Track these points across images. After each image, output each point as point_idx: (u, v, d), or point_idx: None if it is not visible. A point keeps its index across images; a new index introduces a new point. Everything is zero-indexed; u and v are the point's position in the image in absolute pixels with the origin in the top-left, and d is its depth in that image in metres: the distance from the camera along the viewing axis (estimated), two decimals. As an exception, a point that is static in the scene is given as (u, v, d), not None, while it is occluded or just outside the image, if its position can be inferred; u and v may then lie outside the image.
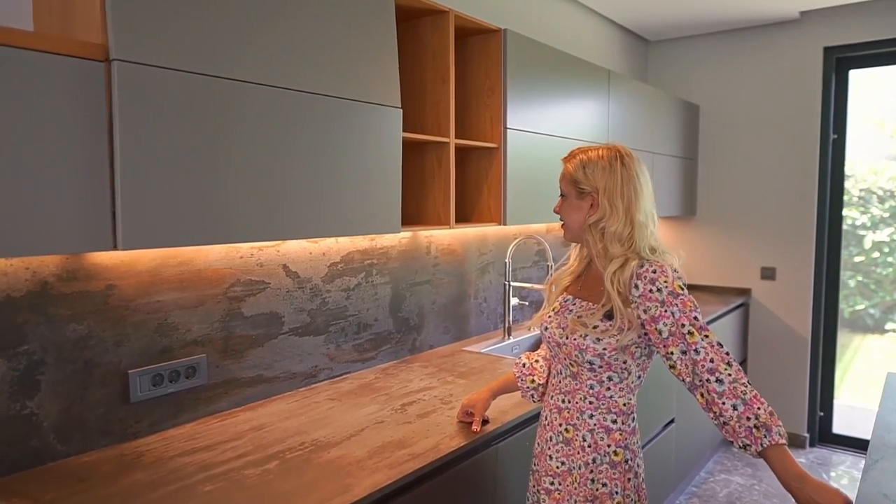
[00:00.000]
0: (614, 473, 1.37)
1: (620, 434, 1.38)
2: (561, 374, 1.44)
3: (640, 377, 1.39)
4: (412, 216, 2.22)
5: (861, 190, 4.17)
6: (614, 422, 1.37)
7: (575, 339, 1.35)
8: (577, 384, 1.40)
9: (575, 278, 1.50)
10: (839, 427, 3.90)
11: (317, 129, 1.59)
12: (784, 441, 1.18)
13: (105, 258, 1.50)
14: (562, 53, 2.61)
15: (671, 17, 3.72)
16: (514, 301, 2.74)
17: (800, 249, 3.80)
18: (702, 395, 1.26)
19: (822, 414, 3.85)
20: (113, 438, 1.53)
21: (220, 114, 1.37)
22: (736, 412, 1.21)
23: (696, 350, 1.25)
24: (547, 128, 2.54)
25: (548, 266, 2.63)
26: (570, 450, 1.40)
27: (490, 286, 2.83)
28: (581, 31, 3.53)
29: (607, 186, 1.35)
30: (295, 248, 1.95)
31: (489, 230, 2.80)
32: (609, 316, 1.33)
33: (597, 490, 1.38)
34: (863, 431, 4.00)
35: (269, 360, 1.89)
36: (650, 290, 1.28)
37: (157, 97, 1.25)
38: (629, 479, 1.38)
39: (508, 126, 2.31)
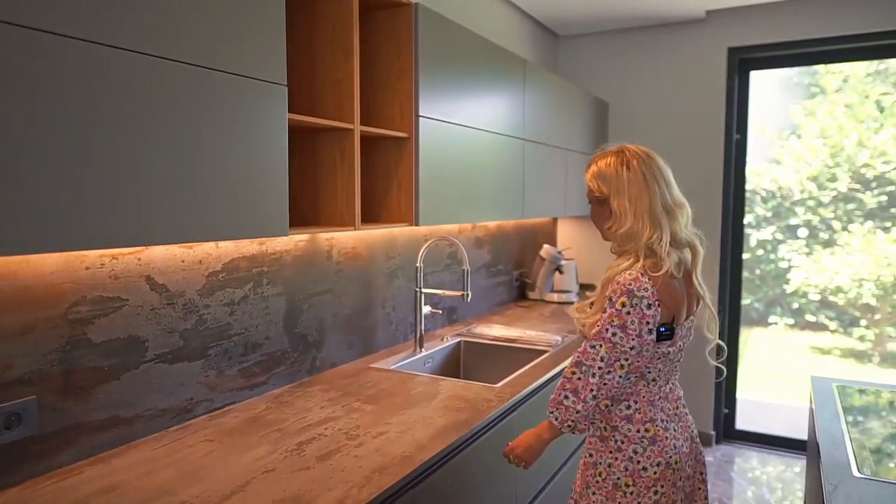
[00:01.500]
0: (602, 446, 1.51)
1: (610, 414, 1.50)
2: None
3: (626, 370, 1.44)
4: (310, 216, 1.89)
5: (746, 191, 4.31)
6: (607, 406, 1.46)
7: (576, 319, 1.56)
8: None
9: None
10: (739, 422, 3.96)
11: (178, 106, 1.24)
12: (554, 421, 1.47)
13: None
14: (478, 37, 2.38)
15: (580, 10, 3.61)
16: (425, 309, 2.47)
17: (706, 248, 3.81)
18: None
19: (726, 411, 3.90)
20: None
21: (39, 80, 1.00)
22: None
23: (583, 346, 1.44)
24: (463, 118, 2.29)
25: (464, 270, 2.39)
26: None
27: (399, 293, 2.55)
28: (491, 19, 3.33)
29: (617, 191, 1.45)
30: (162, 256, 1.58)
31: (397, 231, 2.52)
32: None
33: (581, 459, 1.58)
34: (761, 425, 4.10)
35: (127, 396, 1.50)
36: (607, 297, 1.42)
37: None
38: (618, 459, 1.47)
39: (421, 114, 2.04)
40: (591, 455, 1.53)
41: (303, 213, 1.89)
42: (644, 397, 1.47)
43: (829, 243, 6.13)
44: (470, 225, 3.08)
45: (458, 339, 2.67)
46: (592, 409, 1.41)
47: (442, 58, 2.16)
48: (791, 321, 6.46)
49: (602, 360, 1.38)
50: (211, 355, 1.72)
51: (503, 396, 1.91)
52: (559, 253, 3.59)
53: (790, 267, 6.25)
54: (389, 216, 2.10)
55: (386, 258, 2.46)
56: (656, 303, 1.37)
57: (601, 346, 1.38)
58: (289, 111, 1.56)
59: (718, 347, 1.62)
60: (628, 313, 1.36)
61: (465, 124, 2.31)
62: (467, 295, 2.40)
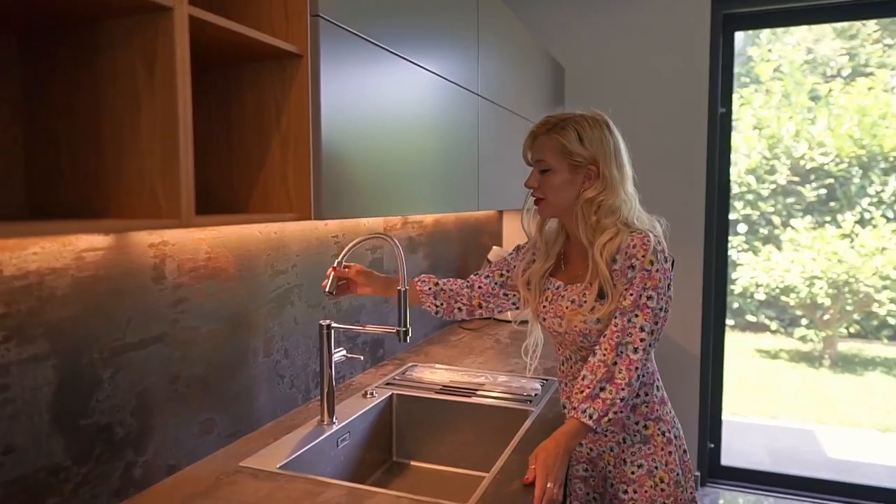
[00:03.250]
0: (648, 450, 1.33)
1: (647, 406, 1.34)
2: (570, 359, 1.40)
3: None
4: (87, 197, 0.92)
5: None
6: (637, 395, 1.32)
7: (575, 327, 1.31)
8: None
9: (555, 262, 1.42)
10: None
11: None
12: (583, 419, 1.19)
13: None
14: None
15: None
16: (337, 354, 1.54)
17: (687, 248, 3.09)
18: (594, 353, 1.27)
19: (711, 446, 3.20)
20: None
21: None
22: (579, 382, 1.24)
23: (618, 324, 1.24)
24: (395, 42, 1.39)
25: (400, 291, 1.48)
26: (595, 434, 1.31)
27: (295, 329, 1.61)
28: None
29: (606, 156, 1.29)
30: None
31: (291, 230, 1.58)
32: (602, 294, 1.28)
33: (632, 473, 1.34)
34: (739, 455, 3.47)
35: None
36: (627, 266, 1.25)
37: None
38: (670, 453, 1.33)
39: (322, 13, 1.11)
40: (640, 466, 1.33)
41: (66, 191, 0.92)
42: (657, 370, 1.40)
43: (767, 239, 5.72)
44: (399, 220, 2.17)
45: (389, 393, 1.76)
46: (633, 393, 1.24)
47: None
48: (731, 322, 6.01)
49: (642, 329, 1.24)
50: None
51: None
52: (512, 256, 2.75)
53: (734, 265, 5.79)
54: (268, 201, 1.15)
55: (271, 273, 1.51)
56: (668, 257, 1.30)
57: (638, 315, 1.24)
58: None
59: None
60: (658, 270, 1.25)
61: (398, 52, 1.40)
62: (405, 332, 1.49)
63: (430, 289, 1.56)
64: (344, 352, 1.55)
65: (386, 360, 2.08)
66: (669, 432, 1.35)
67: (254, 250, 1.45)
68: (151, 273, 1.18)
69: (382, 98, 1.34)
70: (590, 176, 1.29)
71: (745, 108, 5.44)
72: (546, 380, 1.86)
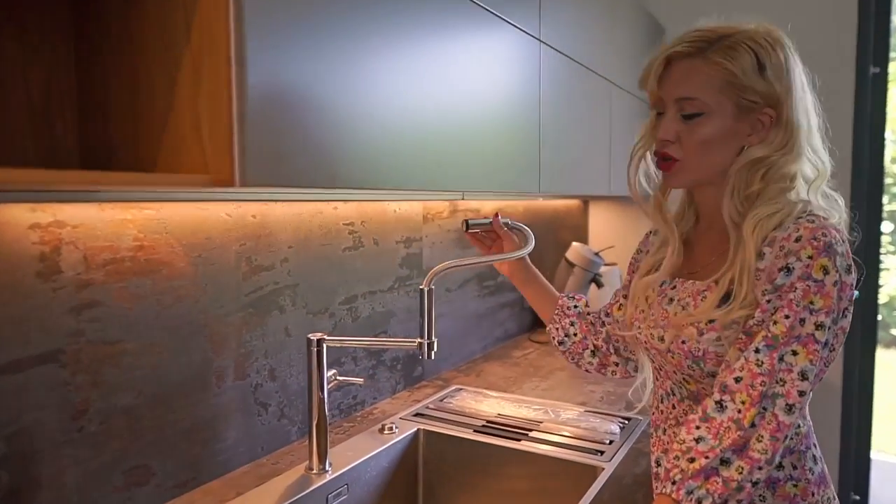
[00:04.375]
0: None
1: (797, 486, 0.85)
2: (672, 395, 0.94)
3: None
4: None
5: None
6: (780, 466, 0.85)
7: (683, 343, 0.86)
8: None
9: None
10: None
11: None
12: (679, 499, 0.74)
13: None
14: None
15: None
16: (330, 381, 1.15)
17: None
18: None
19: (857, 498, 2.53)
20: None
21: None
22: (689, 444, 0.78)
23: (763, 362, 0.77)
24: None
25: (425, 291, 1.07)
26: None
27: (286, 342, 1.24)
28: None
29: (792, 96, 0.86)
30: None
31: (278, 212, 1.21)
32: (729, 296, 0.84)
33: None
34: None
35: None
36: (779, 267, 0.79)
37: None
38: None
39: None
40: None
41: None
42: (812, 430, 0.90)
43: (921, 241, 4.78)
44: (446, 206, 1.75)
45: (415, 428, 1.34)
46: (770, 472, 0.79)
47: None
48: (872, 336, 5.08)
49: (803, 376, 0.76)
50: None
51: None
52: (596, 255, 2.26)
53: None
54: (177, 159, 0.77)
55: (247, 269, 1.15)
56: (853, 265, 0.81)
57: (798, 351, 0.76)
58: None
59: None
60: (835, 284, 0.77)
61: (403, -42, 0.98)
62: (429, 346, 1.09)
63: (574, 307, 1.14)
64: (334, 371, 1.15)
65: (425, 381, 1.67)
66: None
67: (217, 238, 1.09)
68: (36, 266, 0.83)
69: (366, 11, 0.93)
70: (762, 125, 0.86)
71: (892, 84, 4.58)
72: (627, 419, 1.37)
